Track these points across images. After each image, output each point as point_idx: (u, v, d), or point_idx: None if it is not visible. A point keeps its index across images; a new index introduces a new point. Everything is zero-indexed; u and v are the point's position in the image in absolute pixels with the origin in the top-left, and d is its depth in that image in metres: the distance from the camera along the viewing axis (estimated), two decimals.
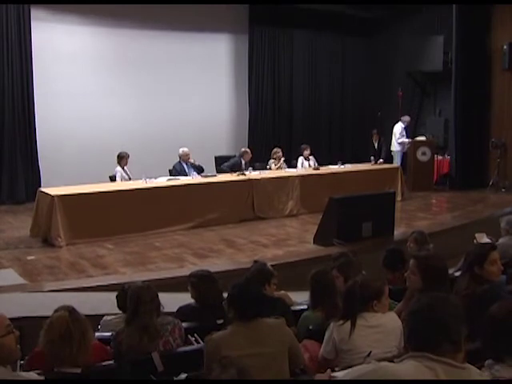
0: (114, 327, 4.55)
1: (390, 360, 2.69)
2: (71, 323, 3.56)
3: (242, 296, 3.66)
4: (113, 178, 10.70)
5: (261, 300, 3.73)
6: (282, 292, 5.39)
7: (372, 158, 13.48)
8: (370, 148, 14.32)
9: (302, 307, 4.97)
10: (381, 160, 13.49)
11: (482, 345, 2.74)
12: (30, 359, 3.73)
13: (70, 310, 3.67)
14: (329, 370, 3.06)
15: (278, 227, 10.11)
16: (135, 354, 3.93)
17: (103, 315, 5.04)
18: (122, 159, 10.69)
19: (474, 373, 2.24)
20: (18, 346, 3.16)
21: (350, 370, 2.47)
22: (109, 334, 4.46)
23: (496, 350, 2.68)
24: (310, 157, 12.66)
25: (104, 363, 3.79)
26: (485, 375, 2.37)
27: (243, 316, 3.59)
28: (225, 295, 5.07)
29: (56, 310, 3.74)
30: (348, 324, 3.62)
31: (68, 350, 3.49)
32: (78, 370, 3.54)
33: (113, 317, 4.89)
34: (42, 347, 3.63)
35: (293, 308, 5.02)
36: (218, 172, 11.67)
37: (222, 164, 11.90)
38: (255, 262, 5.47)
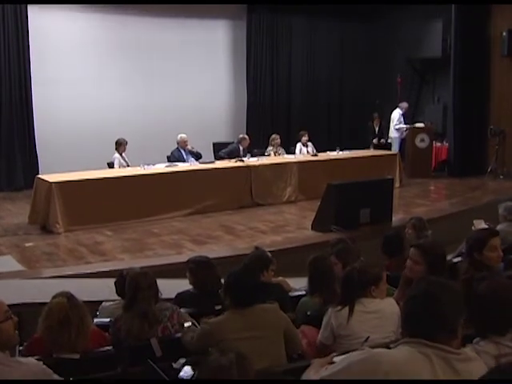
0: (113, 313, 4.56)
1: (388, 345, 2.71)
2: (69, 309, 3.58)
3: (238, 284, 3.70)
4: (111, 165, 10.70)
5: (256, 287, 3.75)
6: (280, 278, 5.40)
7: (375, 140, 13.52)
8: (370, 132, 14.34)
9: (300, 293, 4.98)
10: (383, 140, 13.49)
11: (471, 323, 2.78)
12: (29, 345, 3.74)
13: (69, 297, 3.68)
14: (333, 354, 3.07)
15: (277, 214, 10.11)
16: (134, 340, 3.94)
17: (101, 301, 5.05)
18: (120, 146, 10.68)
19: (469, 358, 2.24)
20: (17, 332, 3.17)
21: (343, 357, 2.47)
22: (107, 320, 4.48)
23: (481, 327, 2.74)
24: (309, 143, 12.64)
25: (102, 349, 3.81)
26: (480, 359, 2.38)
27: (238, 303, 3.64)
28: (223, 281, 5.10)
29: (54, 297, 3.75)
30: (346, 310, 3.63)
31: (67, 336, 3.52)
32: (77, 356, 3.56)
33: (111, 303, 4.90)
34: (40, 333, 3.64)
35: (291, 294, 5.03)
36: (216, 158, 11.66)
37: (220, 150, 11.88)
38: (256, 248, 5.47)
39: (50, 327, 3.56)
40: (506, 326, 2.75)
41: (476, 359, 2.30)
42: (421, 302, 2.25)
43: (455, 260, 5.09)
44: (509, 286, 2.92)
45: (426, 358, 2.16)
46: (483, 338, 2.70)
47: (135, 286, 4.11)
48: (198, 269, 4.85)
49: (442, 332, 2.19)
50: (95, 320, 4.49)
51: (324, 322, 3.74)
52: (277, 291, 4.68)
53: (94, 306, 4.89)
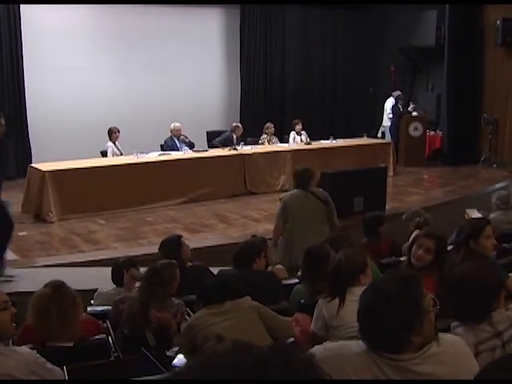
0: (109, 300, 4.58)
1: None
2: (49, 301, 3.53)
3: (206, 289, 3.81)
4: (104, 154, 10.67)
5: (223, 288, 3.76)
6: (279, 266, 5.41)
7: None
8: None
9: (293, 281, 4.98)
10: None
11: (450, 307, 2.75)
12: (21, 333, 3.73)
13: (55, 286, 3.65)
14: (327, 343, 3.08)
15: (270, 202, 10.08)
16: (132, 325, 3.95)
17: (95, 290, 5.06)
18: (112, 134, 10.65)
19: (432, 354, 2.16)
20: (14, 324, 3.13)
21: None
22: (100, 308, 4.49)
23: (458, 313, 2.70)
24: (302, 132, 12.62)
25: (96, 337, 3.81)
26: (454, 344, 2.34)
27: (209, 303, 3.71)
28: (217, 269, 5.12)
29: (45, 286, 3.75)
30: (336, 300, 3.62)
31: (47, 327, 3.52)
32: (70, 344, 3.56)
33: (108, 289, 4.90)
34: (29, 322, 3.65)
35: (285, 282, 5.03)
36: (209, 147, 11.64)
37: (213, 139, 11.87)
38: (253, 236, 5.49)
39: (34, 317, 3.60)
40: (483, 313, 2.69)
41: (444, 352, 2.21)
42: (364, 316, 2.22)
43: (448, 248, 5.10)
44: (483, 271, 2.86)
45: (374, 363, 2.15)
46: (461, 325, 2.67)
47: (151, 279, 4.13)
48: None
49: (388, 345, 2.15)
50: (88, 308, 4.50)
51: (315, 313, 3.74)
52: (268, 279, 4.67)
53: (88, 294, 4.90)
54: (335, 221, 6.42)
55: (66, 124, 12.37)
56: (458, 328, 2.67)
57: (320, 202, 6.39)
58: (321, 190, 6.58)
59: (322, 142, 12.35)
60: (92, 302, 4.90)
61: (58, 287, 3.64)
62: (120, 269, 4.92)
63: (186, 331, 3.65)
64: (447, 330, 2.59)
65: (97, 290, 5.08)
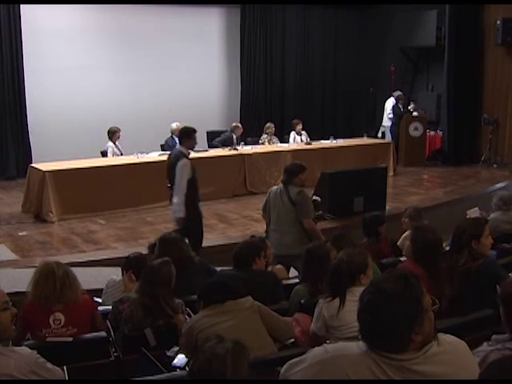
0: (120, 289, 4.58)
1: None
2: (55, 265, 3.91)
3: (206, 287, 3.76)
4: (104, 154, 10.67)
5: (224, 287, 3.73)
6: (279, 266, 5.40)
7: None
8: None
9: (293, 281, 4.98)
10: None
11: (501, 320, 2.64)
12: (23, 313, 3.82)
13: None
14: (327, 342, 3.07)
15: None
16: (132, 325, 3.95)
17: (95, 290, 5.05)
18: (113, 134, 10.64)
19: (434, 354, 2.15)
20: (14, 326, 3.13)
21: (306, 354, 2.42)
22: (100, 308, 4.49)
23: None
24: (302, 132, 12.62)
25: (95, 334, 3.85)
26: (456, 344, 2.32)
27: (209, 302, 3.66)
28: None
29: None
30: (336, 300, 3.61)
31: (52, 287, 3.78)
32: (70, 339, 3.59)
33: (120, 279, 4.88)
34: (29, 295, 3.87)
35: (285, 282, 5.02)
36: (209, 147, 11.64)
37: (213, 139, 11.87)
38: (252, 237, 5.48)
39: (37, 282, 3.83)
40: None
41: (445, 352, 2.19)
42: (365, 316, 2.20)
43: (447, 248, 5.10)
44: None
45: (375, 364, 2.14)
46: None
47: (150, 279, 4.12)
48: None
49: (388, 344, 2.13)
50: None
51: (316, 313, 3.73)
52: (268, 279, 4.66)
53: (88, 294, 4.89)
54: (304, 223, 6.17)
55: (66, 124, 12.37)
56: (508, 343, 2.54)
57: (289, 202, 6.25)
58: (299, 189, 6.33)
59: (322, 141, 12.36)
60: (105, 287, 4.90)
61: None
62: (122, 267, 4.89)
63: (187, 332, 3.63)
64: (446, 330, 2.56)
65: (96, 289, 5.07)
